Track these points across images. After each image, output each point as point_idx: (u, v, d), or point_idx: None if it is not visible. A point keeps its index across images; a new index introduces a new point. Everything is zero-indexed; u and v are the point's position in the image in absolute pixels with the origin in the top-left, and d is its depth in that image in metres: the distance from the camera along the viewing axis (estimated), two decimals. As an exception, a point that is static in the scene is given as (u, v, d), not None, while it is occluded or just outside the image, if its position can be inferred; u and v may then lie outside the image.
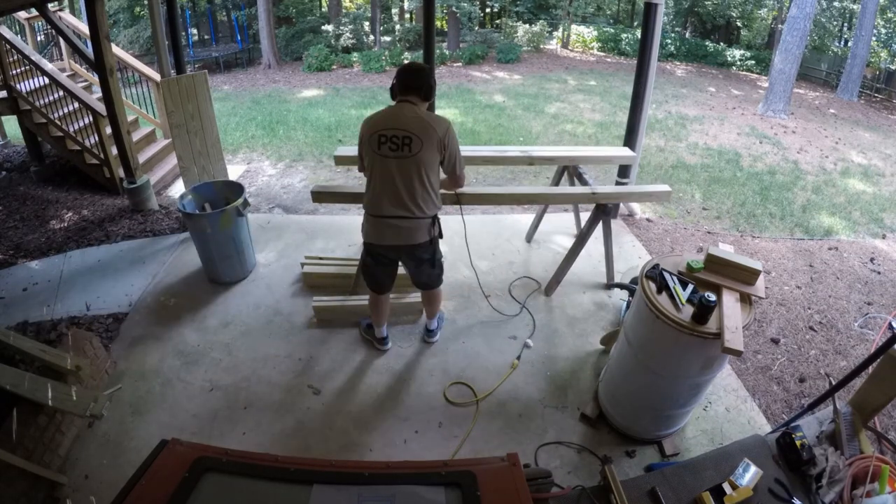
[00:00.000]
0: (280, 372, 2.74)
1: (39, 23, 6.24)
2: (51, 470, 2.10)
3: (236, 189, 3.46)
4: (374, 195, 2.26)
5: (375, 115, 2.24)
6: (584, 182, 3.27)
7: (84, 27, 5.03)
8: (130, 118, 5.25)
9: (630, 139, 3.98)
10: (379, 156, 2.17)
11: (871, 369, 2.05)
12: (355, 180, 5.25)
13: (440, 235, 2.42)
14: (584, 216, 3.28)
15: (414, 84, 2.19)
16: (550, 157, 3.42)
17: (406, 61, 12.66)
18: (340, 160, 3.32)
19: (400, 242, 2.33)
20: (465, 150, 3.54)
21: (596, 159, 3.40)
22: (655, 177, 5.91)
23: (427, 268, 2.51)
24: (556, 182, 3.64)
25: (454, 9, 13.46)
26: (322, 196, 3.02)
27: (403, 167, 2.16)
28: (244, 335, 3.00)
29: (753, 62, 14.35)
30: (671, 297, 1.95)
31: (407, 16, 18.67)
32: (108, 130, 4.38)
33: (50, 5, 4.51)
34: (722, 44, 15.41)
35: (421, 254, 2.41)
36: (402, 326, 3.06)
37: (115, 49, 4.63)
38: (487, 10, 18.89)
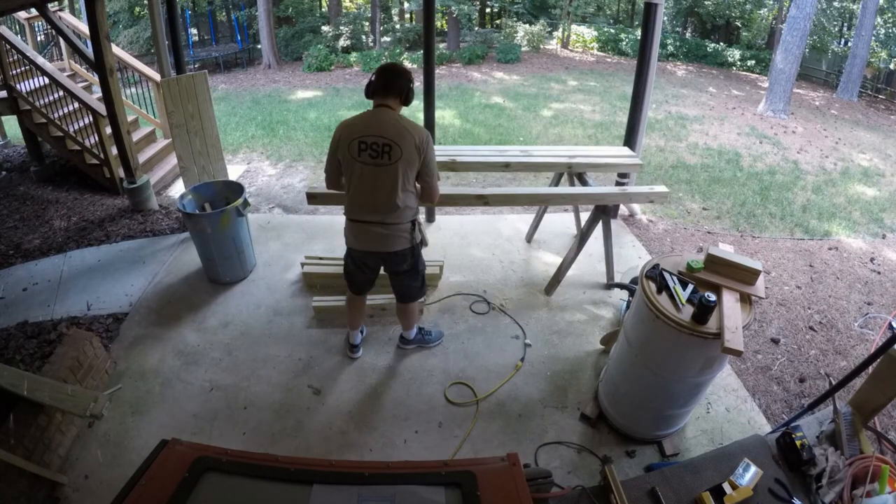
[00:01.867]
0: (280, 372, 2.74)
1: (39, 23, 6.24)
2: (51, 470, 2.10)
3: (236, 189, 3.47)
4: (352, 200, 2.25)
5: (353, 119, 2.18)
6: (584, 182, 3.27)
7: (84, 27, 5.03)
8: (130, 118, 5.25)
9: (630, 139, 3.98)
10: (358, 162, 2.14)
11: (871, 369, 2.05)
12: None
13: (424, 243, 2.38)
14: (584, 216, 3.28)
15: (395, 87, 2.15)
16: (551, 164, 3.39)
17: (405, 61, 12.67)
18: None
19: (379, 249, 2.32)
20: (465, 151, 3.55)
21: (596, 167, 3.37)
22: (655, 177, 5.91)
23: (406, 279, 2.49)
24: (556, 182, 3.64)
25: (452, 9, 13.43)
26: (316, 198, 3.01)
27: (382, 175, 2.13)
28: (244, 335, 3.00)
29: (753, 62, 14.34)
30: (671, 297, 1.96)
31: (407, 16, 18.67)
32: (108, 130, 4.38)
33: (50, 5, 4.51)
34: (722, 44, 15.40)
35: (400, 262, 2.39)
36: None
37: (115, 49, 4.63)
38: (487, 10, 18.89)
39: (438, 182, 2.35)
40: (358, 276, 2.53)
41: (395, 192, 2.16)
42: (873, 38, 11.76)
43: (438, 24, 16.31)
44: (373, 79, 2.16)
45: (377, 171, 2.13)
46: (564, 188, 3.42)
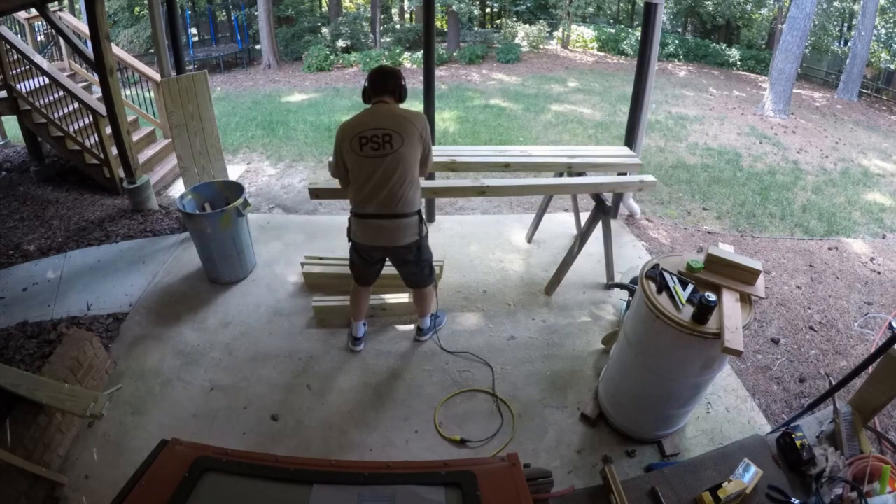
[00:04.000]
0: (280, 372, 2.74)
1: (39, 23, 6.25)
2: (51, 470, 2.10)
3: (236, 189, 3.47)
4: (358, 196, 2.28)
5: (352, 119, 2.25)
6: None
7: (84, 27, 5.03)
8: (130, 118, 5.25)
9: (630, 139, 3.98)
10: (361, 157, 2.18)
11: (871, 369, 2.05)
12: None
13: (426, 234, 2.45)
14: (584, 216, 3.28)
15: (386, 87, 2.23)
16: (551, 164, 3.40)
17: (406, 62, 12.68)
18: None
19: (387, 244, 2.37)
20: (465, 151, 3.55)
21: (596, 166, 3.38)
22: (655, 177, 5.90)
23: (413, 267, 2.54)
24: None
25: (453, 7, 13.42)
26: (319, 192, 3.03)
27: (386, 165, 2.18)
28: (244, 335, 3.00)
29: (753, 62, 14.33)
30: (671, 297, 1.95)
31: (407, 16, 18.67)
32: (108, 130, 4.38)
33: (50, 5, 4.51)
34: (722, 44, 15.39)
35: (406, 254, 2.44)
36: (401, 325, 3.06)
37: (115, 49, 4.63)
38: (487, 10, 18.89)
39: (431, 163, 2.44)
40: (364, 269, 2.59)
41: (400, 181, 2.20)
42: (873, 38, 11.76)
43: (438, 23, 16.30)
44: (366, 84, 2.26)
45: (381, 163, 2.17)
46: (557, 178, 3.41)
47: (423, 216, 2.43)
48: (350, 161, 2.23)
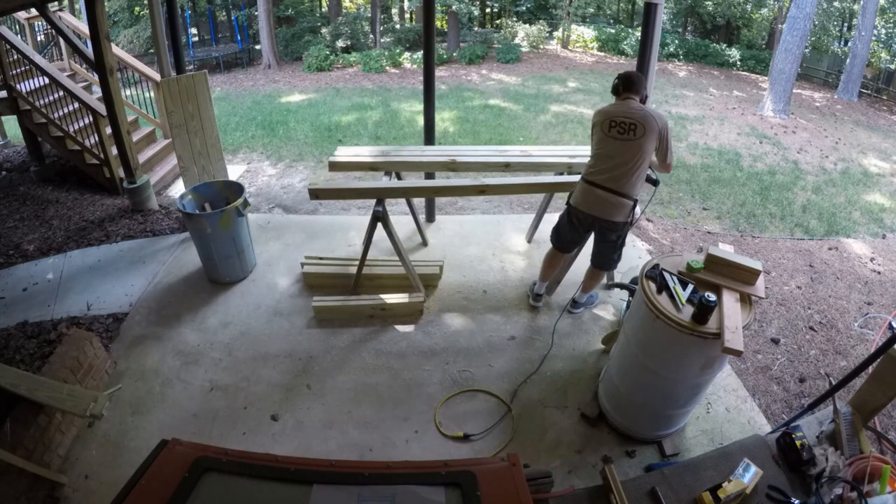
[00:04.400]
0: (280, 372, 2.74)
1: (39, 23, 6.24)
2: (51, 470, 2.10)
3: (236, 189, 3.47)
4: (594, 165, 2.61)
5: (608, 107, 2.65)
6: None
7: (84, 27, 5.03)
8: (130, 118, 5.25)
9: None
10: (608, 137, 2.54)
11: (871, 369, 2.04)
12: (355, 180, 5.25)
13: (632, 223, 2.72)
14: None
15: (634, 88, 2.62)
16: (551, 164, 3.40)
17: (406, 62, 12.68)
18: (335, 166, 3.31)
19: (600, 215, 2.60)
20: (465, 151, 3.55)
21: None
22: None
23: (610, 248, 2.78)
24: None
25: (453, 7, 13.42)
26: (319, 192, 3.04)
27: (626, 148, 2.50)
28: (244, 335, 3.00)
29: (753, 62, 14.33)
30: (671, 297, 1.95)
31: (407, 16, 18.67)
32: (108, 130, 4.38)
33: (50, 5, 4.51)
34: (722, 44, 15.39)
35: (611, 232, 2.68)
36: (401, 325, 3.06)
37: (115, 49, 4.63)
38: (487, 10, 18.89)
39: (674, 159, 2.73)
40: (568, 234, 2.84)
41: (632, 164, 2.50)
42: (873, 38, 11.75)
43: (438, 23, 16.30)
44: (617, 81, 2.67)
45: (622, 145, 2.51)
46: (555, 177, 3.40)
47: (637, 208, 2.68)
48: (598, 138, 2.60)
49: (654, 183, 2.76)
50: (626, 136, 2.50)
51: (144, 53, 13.03)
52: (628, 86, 2.62)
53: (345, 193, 3.12)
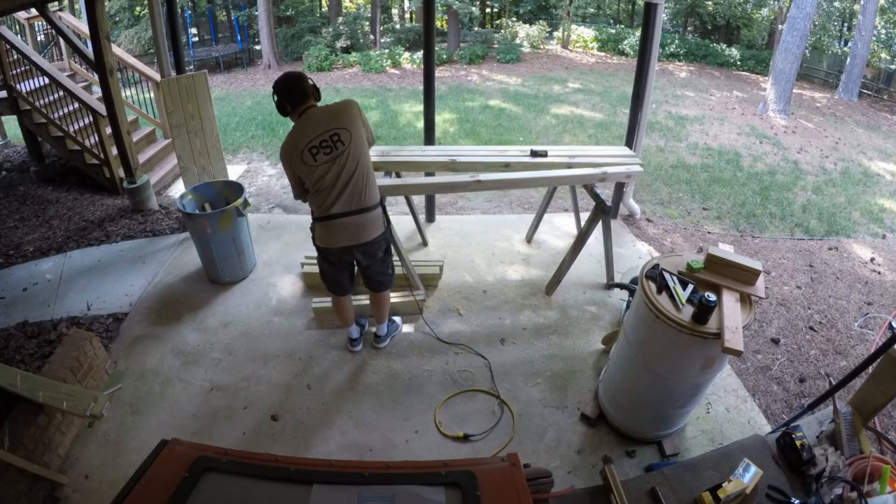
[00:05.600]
0: (280, 372, 2.74)
1: (39, 23, 6.24)
2: (51, 470, 2.10)
3: (236, 189, 3.47)
4: (324, 201, 2.26)
5: (290, 139, 2.20)
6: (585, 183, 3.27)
7: (84, 27, 5.03)
8: (130, 118, 5.25)
9: (630, 139, 3.98)
10: (317, 166, 2.17)
11: (871, 369, 2.04)
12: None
13: (389, 223, 2.52)
14: (584, 216, 3.28)
15: (305, 91, 2.19)
16: (551, 164, 3.39)
17: (406, 62, 12.67)
18: None
19: (353, 242, 2.35)
20: (465, 151, 3.55)
21: (596, 166, 3.37)
22: (655, 177, 5.91)
23: (380, 266, 2.53)
24: (556, 182, 3.63)
25: (454, 7, 13.41)
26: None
27: (344, 163, 2.18)
28: (244, 335, 3.00)
29: (753, 62, 14.33)
30: (671, 297, 1.95)
31: (407, 16, 18.67)
32: (108, 130, 4.38)
33: (50, 5, 4.51)
34: (722, 44, 15.39)
35: (377, 249, 2.44)
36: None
37: (115, 49, 4.63)
38: (487, 10, 18.89)
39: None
40: (337, 276, 2.55)
41: (359, 174, 2.23)
42: (873, 38, 11.75)
43: (438, 23, 16.30)
44: (277, 99, 2.20)
45: (338, 163, 2.17)
46: (548, 171, 3.39)
47: (385, 207, 2.45)
48: (307, 175, 2.21)
49: (389, 228, 2.56)
50: (335, 151, 2.15)
51: (144, 53, 13.03)
52: (298, 94, 2.18)
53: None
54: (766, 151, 7.28)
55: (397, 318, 3.04)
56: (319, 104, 2.26)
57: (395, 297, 3.13)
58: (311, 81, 2.24)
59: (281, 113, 2.25)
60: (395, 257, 2.87)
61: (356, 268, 2.60)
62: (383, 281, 2.62)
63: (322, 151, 2.15)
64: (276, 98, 2.20)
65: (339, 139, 2.15)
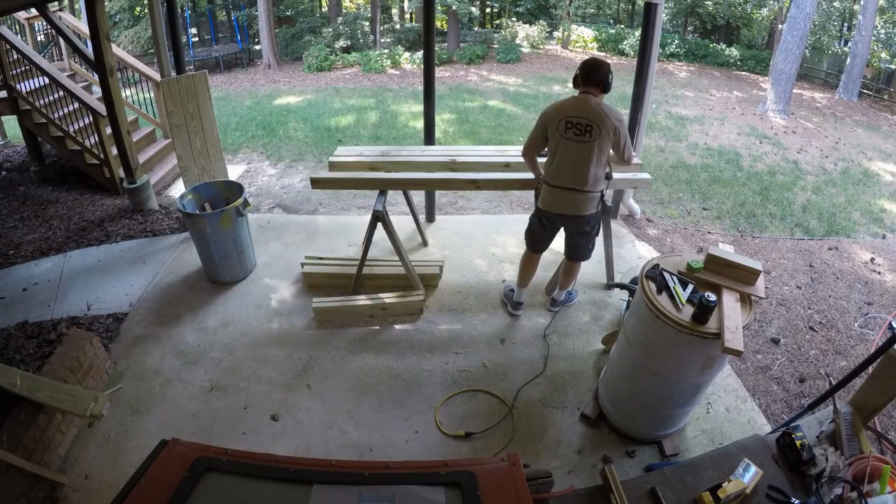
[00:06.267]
0: (280, 372, 2.74)
1: (39, 23, 6.24)
2: (51, 470, 2.10)
3: (236, 189, 3.47)
4: (555, 169, 2.62)
5: (563, 102, 2.57)
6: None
7: (84, 27, 5.03)
8: (130, 118, 5.25)
9: (630, 139, 3.97)
10: (564, 139, 2.52)
11: (871, 369, 2.04)
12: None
13: (605, 210, 2.82)
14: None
15: (594, 77, 2.51)
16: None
17: (405, 62, 12.66)
18: (335, 166, 3.31)
19: (570, 212, 2.69)
20: (465, 151, 3.55)
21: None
22: (656, 177, 5.91)
23: (583, 239, 2.83)
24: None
25: (454, 7, 13.41)
26: (320, 181, 3.10)
27: (583, 150, 2.51)
28: (244, 335, 3.00)
29: (753, 62, 14.33)
30: (671, 297, 1.95)
31: (407, 16, 18.67)
32: (108, 130, 4.38)
33: (50, 5, 4.51)
34: (722, 44, 15.39)
35: (584, 225, 2.75)
36: (401, 325, 3.06)
37: (115, 49, 4.63)
38: (487, 10, 18.89)
39: (634, 152, 2.80)
40: (541, 234, 2.88)
41: (591, 164, 2.53)
42: (873, 38, 11.74)
43: (438, 23, 16.30)
44: (577, 72, 2.56)
45: (579, 147, 2.51)
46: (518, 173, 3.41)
47: (605, 196, 2.76)
48: (553, 139, 2.57)
49: (608, 177, 2.74)
50: (582, 137, 2.49)
51: (144, 53, 13.03)
52: (587, 78, 2.53)
53: (345, 183, 3.20)
54: (766, 151, 7.28)
55: (575, 291, 3.26)
56: (601, 97, 2.54)
57: (394, 298, 3.13)
58: (609, 76, 2.52)
59: (573, 83, 2.59)
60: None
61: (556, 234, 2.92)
62: (582, 253, 2.91)
63: (574, 130, 2.49)
64: (577, 71, 2.57)
65: (590, 131, 2.47)
